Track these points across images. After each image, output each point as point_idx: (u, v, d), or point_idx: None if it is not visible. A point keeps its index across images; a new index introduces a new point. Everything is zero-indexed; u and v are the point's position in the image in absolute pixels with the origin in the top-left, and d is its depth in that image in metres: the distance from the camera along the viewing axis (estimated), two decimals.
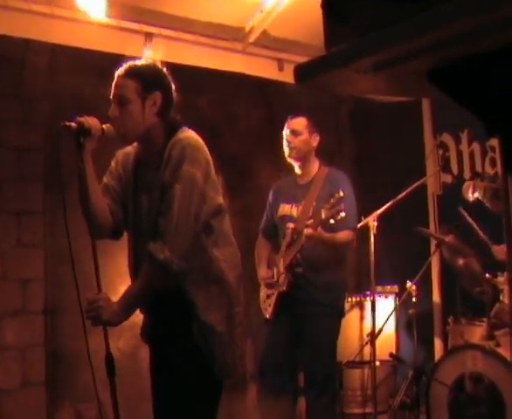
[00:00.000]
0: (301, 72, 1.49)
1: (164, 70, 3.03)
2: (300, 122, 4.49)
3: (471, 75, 1.38)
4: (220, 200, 2.99)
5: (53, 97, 5.10)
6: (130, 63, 2.98)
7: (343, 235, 4.31)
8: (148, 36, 4.39)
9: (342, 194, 4.02)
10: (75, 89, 4.94)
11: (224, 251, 2.97)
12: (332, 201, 4.03)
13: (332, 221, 4.02)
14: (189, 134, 2.97)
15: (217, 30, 4.73)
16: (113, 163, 3.16)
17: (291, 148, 4.46)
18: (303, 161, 4.50)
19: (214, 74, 4.84)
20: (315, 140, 4.50)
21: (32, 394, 5.09)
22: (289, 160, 4.52)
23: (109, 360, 2.76)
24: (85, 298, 2.81)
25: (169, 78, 3.02)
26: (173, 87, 3.03)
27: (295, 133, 4.46)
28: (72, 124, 2.83)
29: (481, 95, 1.41)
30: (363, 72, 1.41)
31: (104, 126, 2.91)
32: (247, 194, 5.17)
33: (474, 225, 4.65)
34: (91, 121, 2.87)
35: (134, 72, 2.93)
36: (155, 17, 4.45)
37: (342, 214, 3.99)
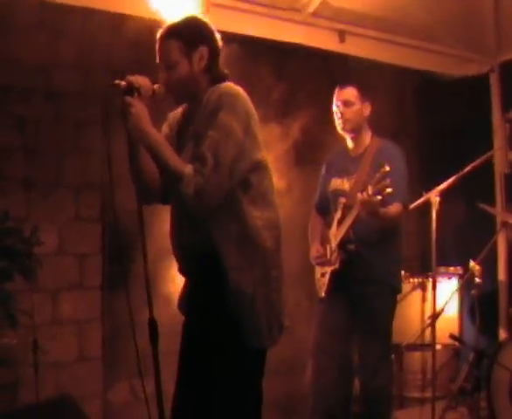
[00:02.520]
0: None
1: (206, 20, 2.92)
2: (351, 92, 4.31)
3: None
4: (260, 156, 2.84)
5: (113, 69, 5.05)
6: (169, 23, 2.88)
7: (394, 209, 4.11)
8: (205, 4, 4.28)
9: (387, 168, 3.79)
10: (137, 60, 4.89)
11: (262, 210, 2.83)
12: (378, 176, 3.83)
13: (379, 197, 3.83)
14: (229, 84, 2.85)
15: (274, 0, 4.61)
16: (164, 126, 3.07)
17: (345, 121, 4.30)
18: (354, 132, 4.34)
19: (272, 45, 4.72)
20: (367, 110, 4.32)
21: (88, 368, 5.11)
22: (342, 133, 4.36)
23: (152, 325, 2.62)
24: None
25: (212, 28, 2.91)
26: (218, 38, 2.92)
27: (347, 103, 4.29)
28: (122, 82, 2.73)
29: None
30: None
31: (155, 85, 2.82)
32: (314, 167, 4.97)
33: None
34: (141, 80, 2.76)
35: (175, 32, 2.83)
36: None
37: (389, 190, 3.78)
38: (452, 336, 4.86)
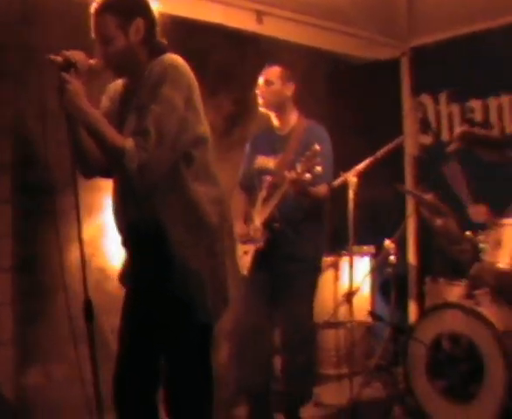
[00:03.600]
0: None
1: None
2: (273, 72, 4.37)
3: None
4: (202, 129, 2.84)
5: (24, 47, 4.89)
6: None
7: (322, 189, 4.20)
8: None
9: (317, 147, 3.90)
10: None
11: (205, 185, 2.82)
12: (308, 154, 3.91)
13: (308, 175, 3.89)
14: (173, 56, 2.82)
15: None
16: (103, 98, 3.02)
17: (262, 99, 4.35)
18: (278, 111, 4.38)
19: (189, 24, 4.66)
20: (290, 90, 4.36)
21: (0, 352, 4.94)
22: (261, 110, 4.40)
23: (87, 304, 2.61)
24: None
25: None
26: (154, 8, 2.88)
27: (268, 82, 4.35)
28: (58, 58, 2.67)
29: None
30: None
31: (91, 60, 2.77)
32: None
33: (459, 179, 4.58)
34: (77, 55, 2.71)
35: (110, 5, 2.77)
36: None
37: (319, 168, 3.88)
38: (371, 313, 4.97)
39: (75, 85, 2.65)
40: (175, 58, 2.80)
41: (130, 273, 2.98)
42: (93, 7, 2.80)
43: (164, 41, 2.91)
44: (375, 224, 5.83)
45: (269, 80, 4.34)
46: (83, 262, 2.61)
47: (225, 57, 5.16)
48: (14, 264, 4.99)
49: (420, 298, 5.59)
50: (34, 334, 4.94)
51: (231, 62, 5.19)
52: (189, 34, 4.44)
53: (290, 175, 3.94)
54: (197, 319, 2.79)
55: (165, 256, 2.74)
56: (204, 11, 4.70)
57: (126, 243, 2.98)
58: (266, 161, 4.38)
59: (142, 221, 2.80)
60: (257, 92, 4.37)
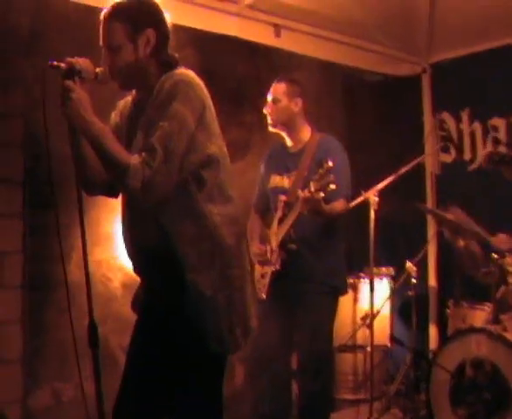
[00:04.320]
0: None
1: (155, 2, 2.71)
2: (278, 89, 4.25)
3: None
4: (213, 149, 2.66)
5: (35, 57, 4.80)
6: (113, 2, 2.66)
7: (338, 205, 4.04)
8: None
9: (330, 164, 3.73)
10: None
11: (220, 206, 2.66)
12: (321, 171, 3.75)
13: (322, 194, 3.74)
14: (185, 71, 2.66)
15: None
16: (112, 114, 2.87)
17: (271, 118, 4.24)
18: (288, 128, 4.27)
19: (206, 36, 4.55)
20: (297, 105, 4.23)
21: (7, 371, 4.82)
22: (270, 129, 4.28)
23: (92, 328, 2.44)
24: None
25: (161, 10, 2.71)
26: (167, 21, 2.72)
27: (274, 100, 4.24)
28: (61, 64, 2.51)
29: None
30: None
31: (98, 69, 2.61)
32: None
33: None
34: (82, 62, 2.55)
35: (120, 13, 2.61)
36: None
37: (333, 186, 3.72)
38: (393, 338, 4.82)
39: (79, 93, 2.49)
40: (187, 73, 2.65)
41: (142, 300, 2.84)
42: (103, 13, 2.66)
43: (176, 55, 2.75)
44: (394, 245, 5.69)
45: (275, 98, 4.24)
46: (87, 281, 2.44)
47: (241, 70, 5.06)
48: (24, 281, 4.89)
49: (441, 322, 5.44)
50: (43, 353, 4.84)
51: (247, 76, 5.08)
52: (204, 47, 4.33)
53: (303, 194, 3.80)
54: (210, 350, 2.61)
55: (177, 282, 2.58)
56: (221, 24, 4.60)
57: (137, 269, 2.83)
58: (280, 180, 4.26)
59: (153, 246, 2.65)
60: (265, 111, 4.26)
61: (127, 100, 2.86)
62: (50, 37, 4.66)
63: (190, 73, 2.66)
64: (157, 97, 2.59)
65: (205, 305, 2.57)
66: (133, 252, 2.79)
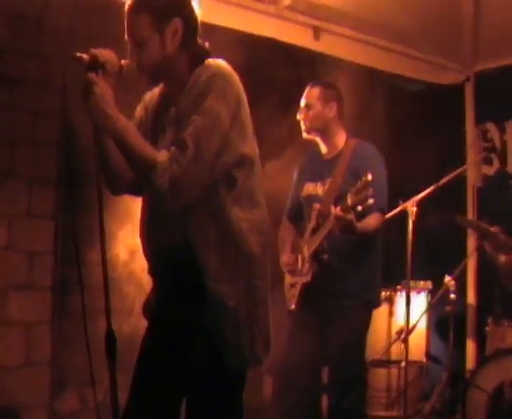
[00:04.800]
0: None
1: None
2: (311, 94, 4.11)
3: None
4: (247, 149, 2.51)
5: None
6: None
7: (373, 221, 3.86)
8: None
9: (370, 177, 3.53)
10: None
11: (247, 211, 2.51)
12: (359, 185, 3.57)
13: (360, 208, 3.56)
14: (221, 63, 2.52)
15: None
16: (138, 107, 2.74)
17: (304, 124, 4.11)
18: (322, 135, 4.12)
19: (243, 37, 4.46)
20: (332, 111, 4.09)
21: (36, 373, 4.81)
22: (304, 136, 4.15)
23: (110, 338, 2.33)
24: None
25: None
26: (195, 10, 2.56)
27: (307, 106, 4.10)
28: (84, 56, 2.39)
29: None
30: None
31: (123, 61, 2.48)
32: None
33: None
34: (107, 55, 2.42)
35: (144, 3, 2.47)
36: None
37: (371, 201, 3.52)
38: (428, 356, 4.67)
39: (103, 88, 2.37)
40: (223, 67, 2.51)
41: (155, 305, 2.68)
42: (127, 4, 2.51)
43: (207, 44, 2.61)
44: (432, 258, 5.55)
45: (309, 103, 4.10)
46: (106, 287, 2.33)
47: (279, 73, 4.96)
48: (54, 282, 4.85)
49: (479, 340, 5.27)
50: (71, 356, 4.78)
51: (285, 78, 4.97)
52: (241, 48, 4.23)
53: (335, 212, 3.64)
54: (229, 365, 2.46)
55: (196, 290, 2.43)
56: (259, 25, 4.51)
57: (152, 271, 2.69)
58: (314, 188, 4.11)
59: (173, 248, 2.50)
60: (298, 117, 4.13)
61: (153, 93, 2.72)
62: (87, 36, 4.64)
63: (227, 66, 2.51)
64: (191, 90, 2.45)
65: (227, 318, 2.44)
66: (150, 254, 2.65)
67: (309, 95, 4.12)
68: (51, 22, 4.56)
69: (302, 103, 4.12)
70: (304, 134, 4.14)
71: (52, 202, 4.92)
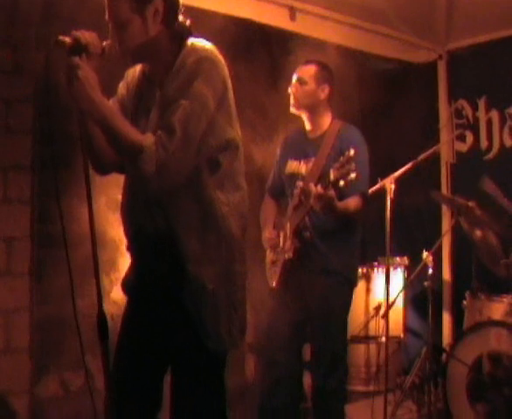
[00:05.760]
0: None
1: None
2: (307, 70, 4.10)
3: None
4: (232, 133, 2.54)
5: (47, 46, 4.71)
6: None
7: (354, 202, 3.89)
8: None
9: (352, 152, 3.57)
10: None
11: (229, 195, 2.53)
12: (342, 160, 3.60)
13: (342, 182, 3.58)
14: (207, 45, 2.53)
15: None
16: (120, 85, 2.73)
17: (294, 98, 4.09)
18: (310, 113, 4.11)
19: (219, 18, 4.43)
20: (324, 92, 4.08)
21: (15, 360, 4.76)
22: (292, 111, 4.14)
23: (102, 320, 2.31)
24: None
25: None
26: None
27: (301, 81, 4.08)
28: (67, 39, 2.37)
29: None
30: None
31: (105, 43, 2.46)
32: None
33: (498, 193, 4.31)
34: (89, 37, 2.39)
35: None
36: None
37: (353, 175, 3.54)
38: (408, 330, 4.73)
39: (86, 71, 2.34)
40: (210, 50, 2.51)
41: (133, 283, 2.68)
42: None
43: (188, 22, 2.59)
44: (408, 235, 5.59)
45: (303, 79, 4.08)
46: (96, 268, 2.30)
47: (255, 53, 4.95)
48: (32, 267, 4.82)
49: (455, 315, 5.34)
50: (51, 342, 4.77)
51: (260, 58, 4.97)
52: (218, 28, 4.22)
53: (316, 189, 3.65)
54: (206, 346, 2.49)
55: (175, 271, 2.45)
56: (236, 6, 4.48)
57: (131, 248, 2.69)
58: (298, 166, 4.11)
59: (153, 227, 2.51)
60: (289, 90, 4.11)
61: (135, 70, 2.70)
62: (62, 21, 4.59)
63: (214, 50, 2.52)
64: (178, 73, 2.46)
65: (206, 300, 2.46)
66: (130, 232, 2.65)
67: (304, 71, 4.10)
68: (23, 9, 4.51)
69: (295, 78, 4.10)
70: (292, 109, 4.13)
71: (28, 186, 4.88)
